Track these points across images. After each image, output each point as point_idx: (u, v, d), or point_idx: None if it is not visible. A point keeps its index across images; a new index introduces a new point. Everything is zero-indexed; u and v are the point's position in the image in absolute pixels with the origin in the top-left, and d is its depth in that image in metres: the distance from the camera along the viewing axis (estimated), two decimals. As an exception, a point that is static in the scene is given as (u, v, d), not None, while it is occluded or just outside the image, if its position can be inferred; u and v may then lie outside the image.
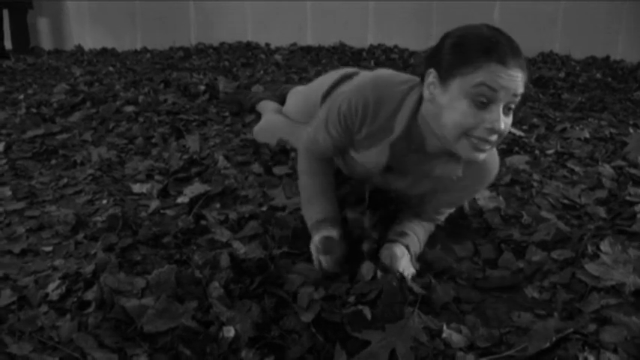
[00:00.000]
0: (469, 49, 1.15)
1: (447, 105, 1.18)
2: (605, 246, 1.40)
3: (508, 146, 2.31)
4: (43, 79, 4.02)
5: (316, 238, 1.40)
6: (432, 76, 1.21)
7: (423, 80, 1.26)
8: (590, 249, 1.39)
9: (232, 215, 1.64)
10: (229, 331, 1.13)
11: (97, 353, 1.12)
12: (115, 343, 1.15)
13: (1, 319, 1.23)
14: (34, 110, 2.91)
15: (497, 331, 1.14)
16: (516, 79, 1.13)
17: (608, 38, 5.33)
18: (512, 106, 1.16)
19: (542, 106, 3.22)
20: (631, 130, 2.62)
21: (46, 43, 6.04)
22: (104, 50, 5.60)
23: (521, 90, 1.15)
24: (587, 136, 2.55)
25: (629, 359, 1.03)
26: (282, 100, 2.58)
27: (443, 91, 1.19)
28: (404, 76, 1.42)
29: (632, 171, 2.01)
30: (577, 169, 2.05)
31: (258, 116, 2.55)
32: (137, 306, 1.21)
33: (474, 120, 1.15)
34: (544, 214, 1.64)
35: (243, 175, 1.91)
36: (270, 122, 2.31)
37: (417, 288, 1.26)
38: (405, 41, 5.47)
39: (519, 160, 2.14)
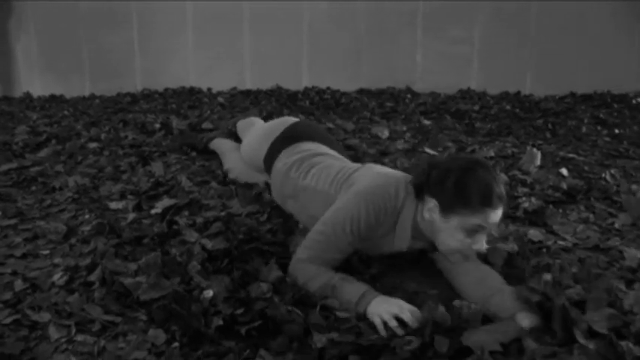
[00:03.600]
0: (470, 196, 1.44)
1: (446, 231, 1.50)
2: (492, 225, 1.84)
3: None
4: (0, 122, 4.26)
5: (391, 311, 1.39)
6: (433, 204, 1.50)
7: (415, 190, 1.57)
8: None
9: (199, 220, 1.99)
10: (209, 293, 1.48)
11: (105, 317, 1.45)
12: (119, 310, 1.48)
13: (19, 299, 1.54)
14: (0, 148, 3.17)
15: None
16: (499, 213, 1.47)
17: (518, 76, 6.00)
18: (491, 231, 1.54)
19: (457, 134, 3.72)
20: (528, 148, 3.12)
21: (-7, 91, 6.22)
22: (53, 97, 5.83)
23: (500, 219, 1.49)
24: (492, 154, 3.04)
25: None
26: (232, 134, 2.92)
27: (443, 220, 1.49)
28: (385, 176, 1.69)
29: (523, 177, 2.49)
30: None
31: (213, 154, 2.87)
32: (133, 282, 1.55)
33: (466, 245, 1.49)
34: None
35: (205, 190, 2.27)
36: (234, 165, 2.53)
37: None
38: (336, 83, 5.94)
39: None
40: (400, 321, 1.35)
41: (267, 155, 2.17)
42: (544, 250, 1.74)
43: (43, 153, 3.05)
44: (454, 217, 1.47)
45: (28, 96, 5.90)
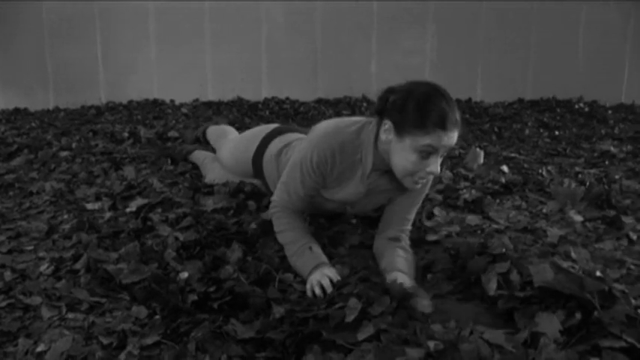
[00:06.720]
0: (424, 116, 1.51)
1: (399, 153, 1.58)
2: (437, 211, 2.09)
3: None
4: (-33, 135, 4.34)
5: (318, 279, 1.62)
6: (388, 125, 1.60)
7: (378, 116, 1.67)
8: (427, 214, 2.06)
9: (171, 216, 2.18)
10: (184, 274, 1.67)
11: (92, 298, 1.62)
12: (104, 292, 1.66)
13: (10, 287, 1.70)
14: (-29, 158, 3.29)
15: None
16: (453, 138, 1.54)
17: (470, 84, 6.35)
18: (445, 154, 1.61)
19: (411, 137, 3.97)
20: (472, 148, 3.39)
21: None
22: (17, 110, 5.90)
23: (455, 143, 1.57)
24: (441, 155, 3.29)
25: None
26: (205, 143, 3.06)
27: (397, 140, 1.58)
28: (347, 119, 1.82)
29: (466, 173, 2.75)
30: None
31: (193, 166, 3.00)
32: (115, 268, 1.73)
33: (418, 167, 1.58)
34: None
35: (176, 190, 2.45)
36: (216, 175, 2.63)
37: None
38: (294, 93, 6.17)
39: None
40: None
41: (257, 153, 2.29)
42: (479, 231, 1.98)
43: (16, 162, 3.18)
44: (407, 138, 1.55)
45: (-10, 109, 5.95)
